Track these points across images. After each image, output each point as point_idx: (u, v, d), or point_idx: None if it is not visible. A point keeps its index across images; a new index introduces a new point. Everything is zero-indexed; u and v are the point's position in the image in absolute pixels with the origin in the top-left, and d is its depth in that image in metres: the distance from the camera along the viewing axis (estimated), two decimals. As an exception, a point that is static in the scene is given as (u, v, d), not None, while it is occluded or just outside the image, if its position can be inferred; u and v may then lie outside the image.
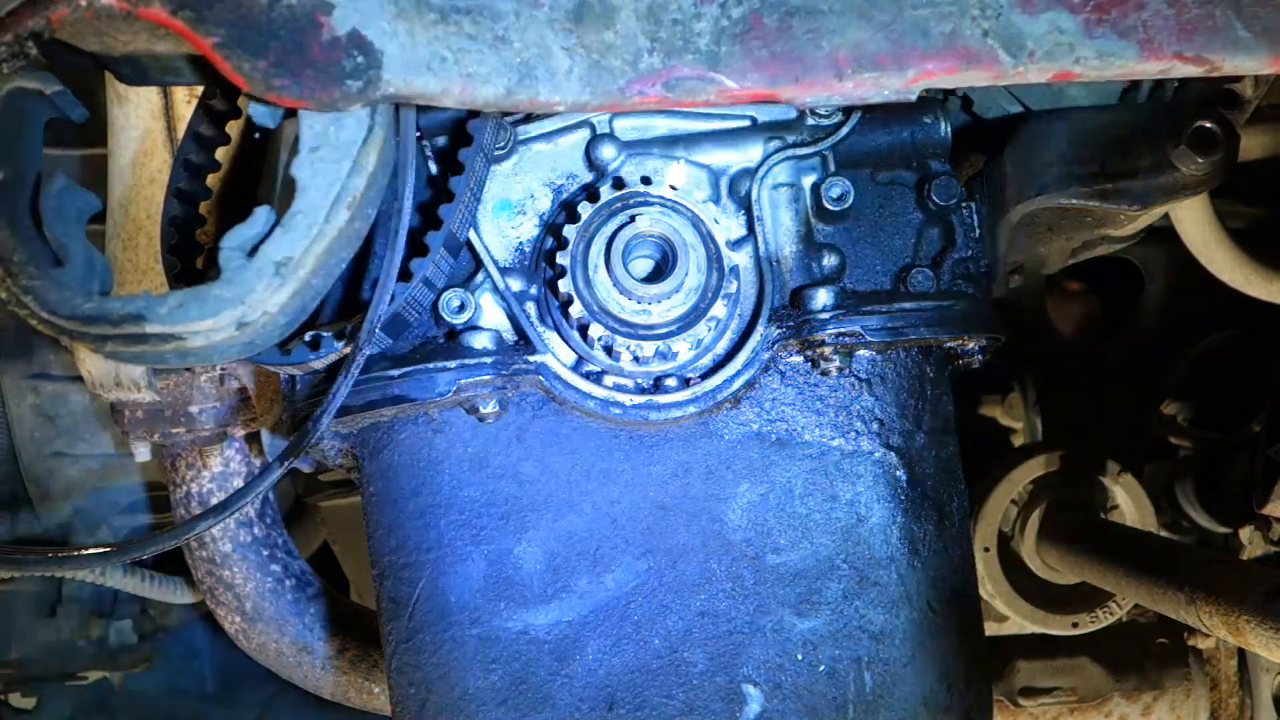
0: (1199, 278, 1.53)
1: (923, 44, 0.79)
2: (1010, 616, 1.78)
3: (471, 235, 0.97)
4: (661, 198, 0.95)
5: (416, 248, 0.89)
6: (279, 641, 1.65)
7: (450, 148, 0.93)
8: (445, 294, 0.96)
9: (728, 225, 0.99)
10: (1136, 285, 2.02)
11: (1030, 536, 1.76)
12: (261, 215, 0.73)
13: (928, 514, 1.02)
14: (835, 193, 0.98)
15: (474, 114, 0.92)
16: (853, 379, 1.01)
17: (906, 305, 0.98)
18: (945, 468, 1.04)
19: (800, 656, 0.98)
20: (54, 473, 1.94)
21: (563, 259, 0.94)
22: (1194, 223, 1.47)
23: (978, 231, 1.03)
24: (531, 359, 0.96)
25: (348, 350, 0.87)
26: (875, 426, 1.01)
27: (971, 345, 1.03)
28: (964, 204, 1.01)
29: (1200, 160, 0.94)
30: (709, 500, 1.00)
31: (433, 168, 0.97)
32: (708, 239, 0.95)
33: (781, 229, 1.00)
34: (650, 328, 0.95)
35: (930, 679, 1.01)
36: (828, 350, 0.97)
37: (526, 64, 0.76)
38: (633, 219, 0.93)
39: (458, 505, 0.99)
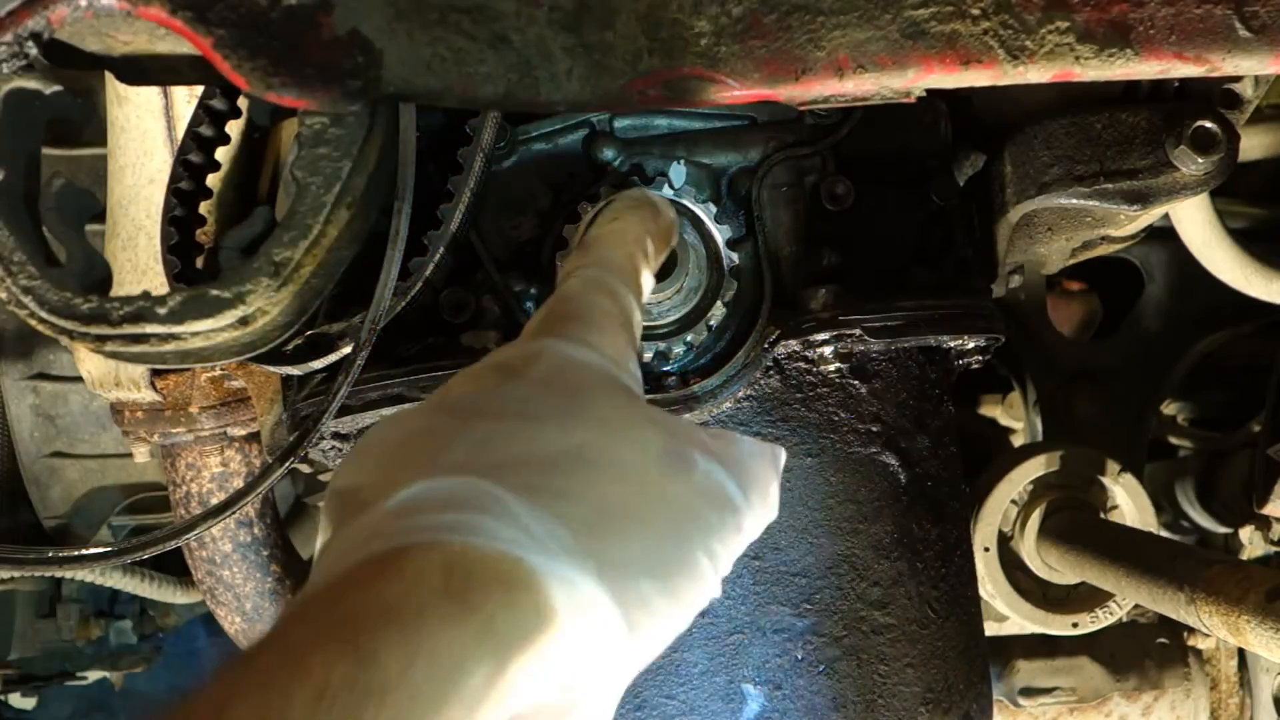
0: (1199, 278, 1.53)
1: (923, 44, 0.79)
2: (1010, 616, 1.78)
3: (471, 235, 0.97)
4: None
5: (416, 247, 0.89)
6: (279, 642, 1.64)
7: (450, 147, 0.93)
8: (445, 294, 0.96)
9: (727, 225, 0.99)
10: (1136, 285, 2.02)
11: (1030, 536, 1.76)
12: (261, 215, 0.73)
13: (928, 514, 1.02)
14: (835, 192, 0.98)
15: (473, 113, 0.92)
16: (852, 379, 1.01)
17: (906, 305, 0.98)
18: (945, 468, 1.04)
19: (800, 656, 0.98)
20: (54, 473, 1.95)
21: (562, 259, 0.94)
22: (1194, 223, 1.47)
23: (978, 231, 1.03)
24: (531, 359, 0.96)
25: (348, 350, 0.88)
26: (875, 426, 1.01)
27: (971, 345, 1.03)
28: (964, 204, 1.02)
29: (1200, 160, 0.94)
30: (709, 500, 0.99)
31: (431, 167, 0.97)
32: (707, 238, 0.95)
33: (781, 229, 1.00)
34: (649, 328, 0.95)
35: (930, 679, 1.01)
36: (827, 350, 0.97)
37: (526, 64, 0.76)
38: (633, 219, 0.93)
39: (458, 505, 0.99)
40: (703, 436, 0.68)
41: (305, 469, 1.84)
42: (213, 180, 0.97)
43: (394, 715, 0.46)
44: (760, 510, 0.69)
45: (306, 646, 0.47)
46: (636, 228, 0.83)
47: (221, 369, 1.46)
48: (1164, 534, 1.86)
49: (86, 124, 0.76)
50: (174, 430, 1.50)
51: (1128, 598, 1.68)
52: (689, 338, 0.95)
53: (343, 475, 0.63)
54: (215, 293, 0.70)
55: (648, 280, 0.81)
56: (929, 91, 0.82)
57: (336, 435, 1.04)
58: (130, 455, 1.59)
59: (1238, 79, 1.07)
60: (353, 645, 0.47)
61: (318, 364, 0.89)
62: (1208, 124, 0.94)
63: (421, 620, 0.49)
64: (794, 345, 0.98)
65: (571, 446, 0.61)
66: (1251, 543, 1.84)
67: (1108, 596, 1.73)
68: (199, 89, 0.97)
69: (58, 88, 0.73)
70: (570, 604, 0.55)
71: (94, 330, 0.69)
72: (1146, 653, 1.91)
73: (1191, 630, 1.88)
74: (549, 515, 0.57)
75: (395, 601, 0.49)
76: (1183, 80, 1.03)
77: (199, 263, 0.93)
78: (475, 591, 0.51)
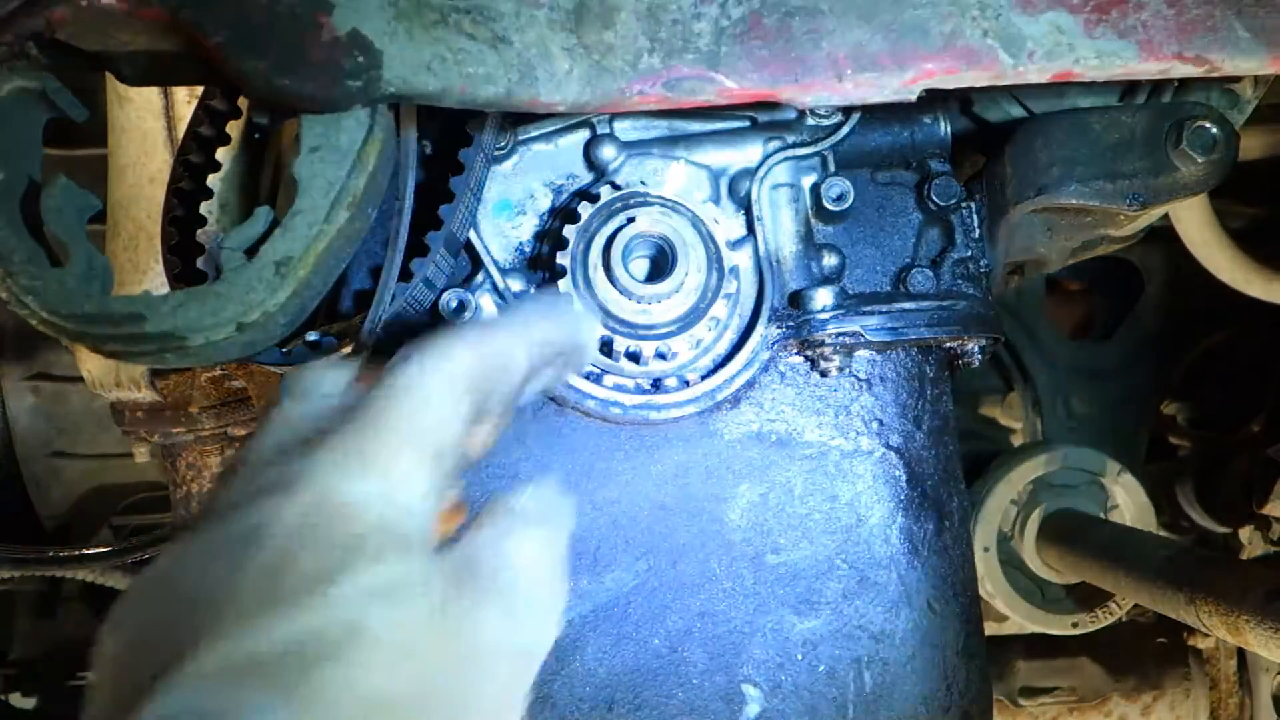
0: (1199, 278, 1.53)
1: (923, 44, 0.79)
2: (1010, 616, 1.79)
3: (471, 235, 0.97)
4: (661, 198, 0.95)
5: (417, 247, 0.89)
6: (279, 641, 1.64)
7: (450, 148, 0.93)
8: (445, 294, 0.96)
9: (727, 225, 0.99)
10: (1136, 285, 2.03)
11: (1030, 536, 1.76)
12: (261, 215, 0.73)
13: (928, 514, 1.02)
14: (835, 193, 0.98)
15: (474, 114, 0.92)
16: (852, 379, 1.01)
17: (906, 305, 0.98)
18: (945, 468, 1.04)
19: (800, 656, 0.98)
20: (54, 473, 1.95)
21: (562, 259, 0.94)
22: (1194, 223, 1.48)
23: (978, 231, 1.03)
24: (531, 359, 0.96)
25: (348, 350, 0.88)
26: (875, 426, 1.01)
27: (971, 345, 1.03)
28: (964, 204, 1.01)
29: (1200, 160, 0.94)
30: (709, 500, 1.00)
31: (432, 167, 0.97)
32: (707, 239, 0.95)
33: (781, 229, 1.00)
34: (650, 328, 0.95)
35: (930, 679, 1.01)
36: (827, 350, 0.97)
37: (526, 64, 0.76)
38: (632, 219, 0.93)
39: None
40: (473, 576, 0.60)
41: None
42: (213, 180, 0.97)
43: None
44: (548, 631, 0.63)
45: None
46: (539, 333, 0.69)
47: (221, 369, 1.46)
48: (1164, 534, 1.86)
49: (87, 124, 0.76)
50: (174, 430, 1.50)
51: (1128, 598, 1.68)
52: (688, 337, 0.95)
53: (99, 655, 0.57)
54: (215, 292, 0.70)
55: (510, 395, 0.67)
56: (929, 91, 0.82)
57: (336, 435, 1.04)
58: (130, 455, 1.59)
59: (1238, 79, 1.07)
60: None
61: (318, 364, 0.89)
62: (1208, 124, 0.94)
63: None
64: (794, 345, 0.98)
65: (325, 631, 0.53)
66: (1251, 543, 1.84)
67: (1108, 596, 1.74)
68: (199, 89, 0.98)
69: (58, 87, 0.73)
70: None
71: (94, 330, 0.69)
72: (1146, 653, 1.91)
73: (1191, 630, 1.88)
74: None
75: None
76: (1183, 80, 1.03)
77: (199, 263, 0.93)
78: None
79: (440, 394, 0.61)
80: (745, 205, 0.99)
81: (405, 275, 0.88)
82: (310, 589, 0.54)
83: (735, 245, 0.99)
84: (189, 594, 0.55)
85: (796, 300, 0.98)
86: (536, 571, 0.63)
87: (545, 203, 1.00)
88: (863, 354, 1.01)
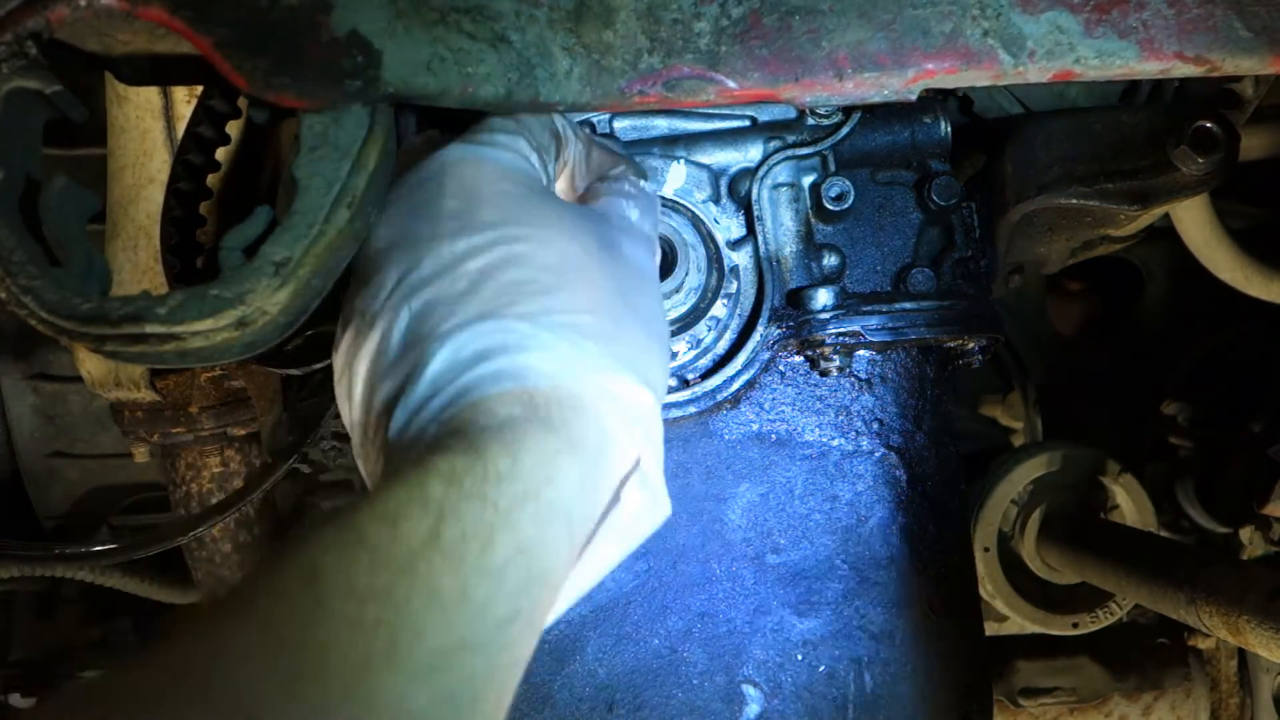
0: (1199, 278, 1.53)
1: (923, 44, 0.79)
2: (1010, 616, 1.78)
3: (471, 235, 0.96)
4: (661, 197, 0.95)
5: (416, 248, 0.89)
6: (279, 642, 1.64)
7: (450, 148, 0.93)
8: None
9: (727, 225, 0.99)
10: (1136, 285, 2.03)
11: (1030, 536, 1.76)
12: (261, 215, 0.73)
13: (928, 514, 1.02)
14: (835, 192, 0.98)
15: (474, 113, 0.92)
16: (853, 379, 1.01)
17: (906, 305, 0.98)
18: (945, 468, 1.04)
19: (800, 657, 0.98)
20: (54, 473, 1.94)
21: (563, 259, 0.94)
22: (1194, 223, 1.48)
23: (978, 231, 1.03)
24: (531, 359, 0.96)
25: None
26: (875, 426, 1.01)
27: (971, 345, 1.03)
28: (964, 204, 1.01)
29: (1200, 160, 0.94)
30: (709, 500, 1.00)
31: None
32: (707, 239, 0.95)
33: (781, 229, 1.00)
34: (650, 328, 0.95)
35: (930, 679, 1.01)
36: (828, 350, 0.97)
37: (526, 64, 0.76)
38: (633, 219, 0.93)
39: (458, 505, 0.99)
40: (610, 217, 0.80)
41: (305, 469, 1.84)
42: (212, 180, 0.97)
43: (511, 495, 0.59)
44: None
45: (432, 454, 0.59)
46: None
47: (221, 369, 1.46)
48: (1164, 534, 1.86)
49: (86, 124, 0.76)
50: (174, 430, 1.50)
51: (1128, 598, 1.68)
52: (688, 336, 0.95)
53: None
54: (215, 293, 0.70)
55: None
56: (929, 91, 0.82)
57: (336, 435, 1.04)
58: (130, 455, 1.59)
59: (1238, 79, 1.07)
60: (469, 447, 0.60)
61: (317, 365, 0.89)
62: (1208, 124, 0.94)
63: (516, 434, 0.62)
64: (794, 345, 0.98)
65: (543, 264, 0.71)
66: (1251, 543, 1.84)
67: (1108, 596, 1.74)
68: (199, 89, 0.98)
69: (58, 88, 0.73)
70: (619, 406, 0.69)
71: (93, 330, 0.69)
72: (1146, 653, 1.91)
73: (1191, 630, 1.88)
74: (572, 334, 0.68)
75: (492, 424, 0.62)
76: (1183, 80, 1.03)
77: (199, 263, 0.92)
78: (554, 416, 0.64)
79: (524, 127, 0.81)
80: (745, 205, 0.99)
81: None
82: (497, 224, 0.72)
83: (735, 245, 0.99)
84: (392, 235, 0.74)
85: (796, 300, 0.98)
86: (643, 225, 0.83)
87: (545, 203, 1.00)
88: (863, 354, 1.01)
